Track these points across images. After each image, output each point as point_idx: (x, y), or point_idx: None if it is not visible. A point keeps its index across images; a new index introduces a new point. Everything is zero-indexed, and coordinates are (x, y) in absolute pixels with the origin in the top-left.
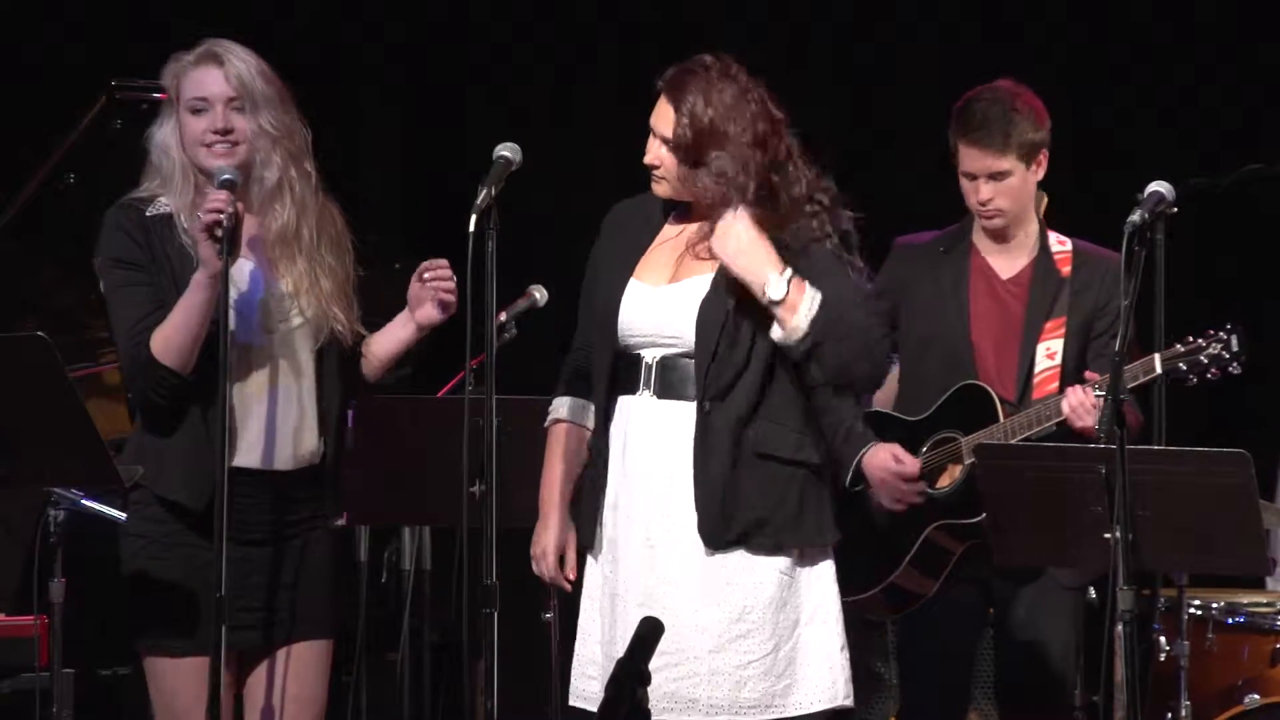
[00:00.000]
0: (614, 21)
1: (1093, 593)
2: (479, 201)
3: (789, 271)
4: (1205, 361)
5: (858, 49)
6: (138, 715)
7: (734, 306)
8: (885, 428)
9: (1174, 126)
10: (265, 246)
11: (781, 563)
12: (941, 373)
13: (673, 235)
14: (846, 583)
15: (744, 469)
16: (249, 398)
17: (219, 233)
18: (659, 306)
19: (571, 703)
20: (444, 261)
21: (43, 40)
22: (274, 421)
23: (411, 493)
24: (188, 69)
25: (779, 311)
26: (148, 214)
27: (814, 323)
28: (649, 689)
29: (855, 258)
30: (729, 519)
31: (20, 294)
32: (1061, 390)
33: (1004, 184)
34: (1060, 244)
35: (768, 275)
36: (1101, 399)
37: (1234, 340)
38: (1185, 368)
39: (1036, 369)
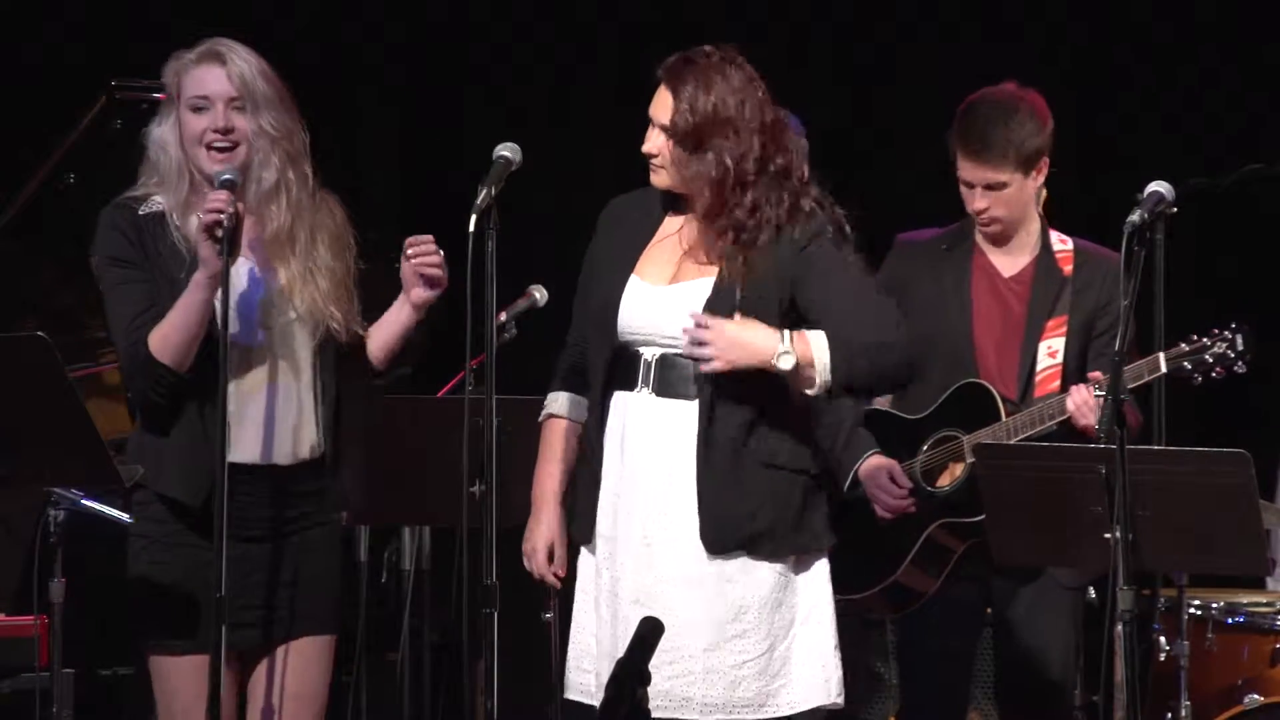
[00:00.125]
0: (614, 21)
1: (1093, 593)
2: (479, 201)
3: (785, 335)
4: (1210, 360)
5: (858, 48)
6: (138, 715)
7: (737, 312)
8: (886, 426)
9: (1175, 127)
10: (261, 246)
11: (778, 565)
12: (943, 371)
13: (672, 231)
14: (848, 582)
15: (748, 477)
16: (246, 395)
17: (219, 233)
18: (660, 306)
19: (567, 696)
20: (427, 237)
21: (43, 40)
22: (272, 418)
23: (411, 493)
24: (189, 67)
25: (799, 376)
26: (140, 212)
27: (834, 368)
28: (649, 689)
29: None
30: (732, 527)
31: (20, 294)
32: (1063, 389)
33: (1001, 194)
34: (1062, 243)
35: (770, 353)
36: (1102, 399)
37: (1239, 339)
38: (1190, 367)
39: (1038, 367)
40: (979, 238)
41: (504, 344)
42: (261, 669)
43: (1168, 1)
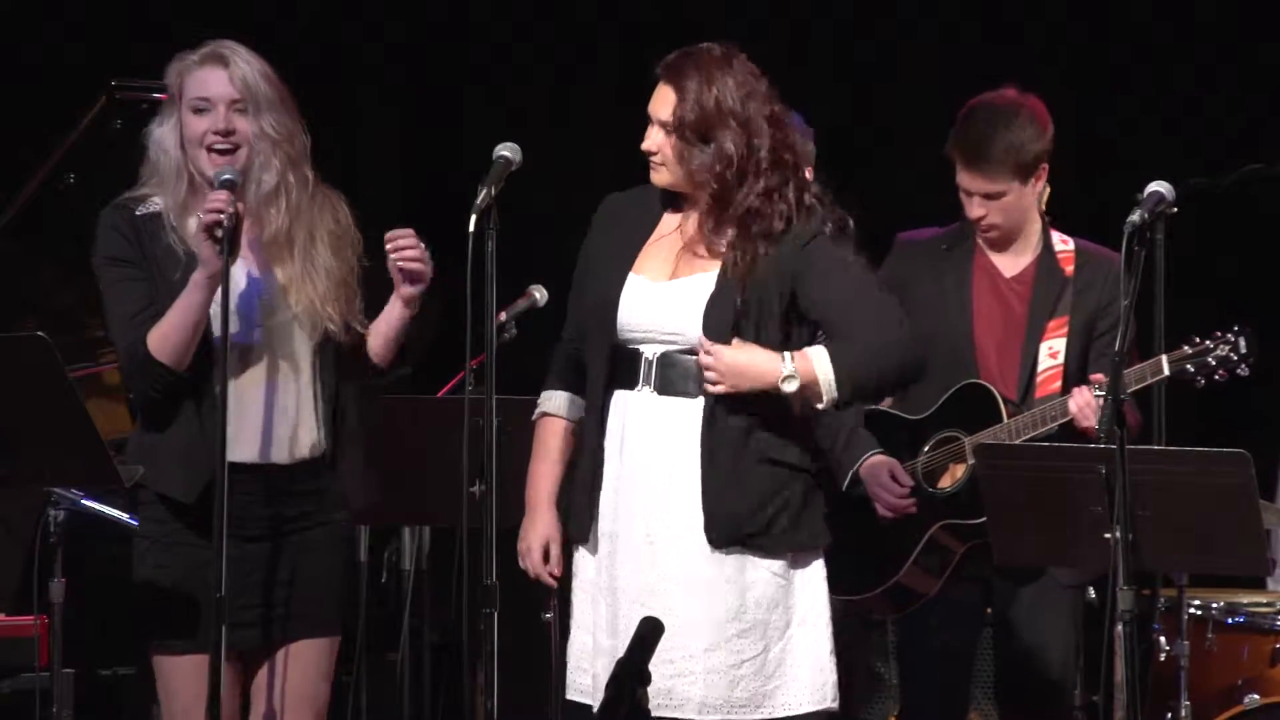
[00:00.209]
0: (614, 21)
1: (1093, 593)
2: (479, 201)
3: (788, 359)
4: (1213, 364)
5: (858, 47)
6: (138, 715)
7: (739, 308)
8: (887, 427)
9: (1175, 127)
10: (259, 247)
11: (776, 564)
12: (943, 371)
13: (671, 229)
14: (850, 582)
15: (751, 474)
16: (242, 394)
17: (219, 233)
18: (660, 302)
19: (568, 696)
20: (406, 231)
21: (43, 40)
22: (269, 417)
23: (411, 493)
24: (192, 68)
25: (806, 395)
26: (137, 213)
27: (839, 382)
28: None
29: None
30: (735, 524)
31: (20, 294)
32: (1064, 390)
33: (999, 203)
34: (1063, 243)
35: (774, 377)
36: (1101, 399)
37: (1242, 342)
38: (1193, 369)
39: (1039, 368)
40: (980, 238)
41: (504, 344)
42: (263, 669)
43: (1167, 2)
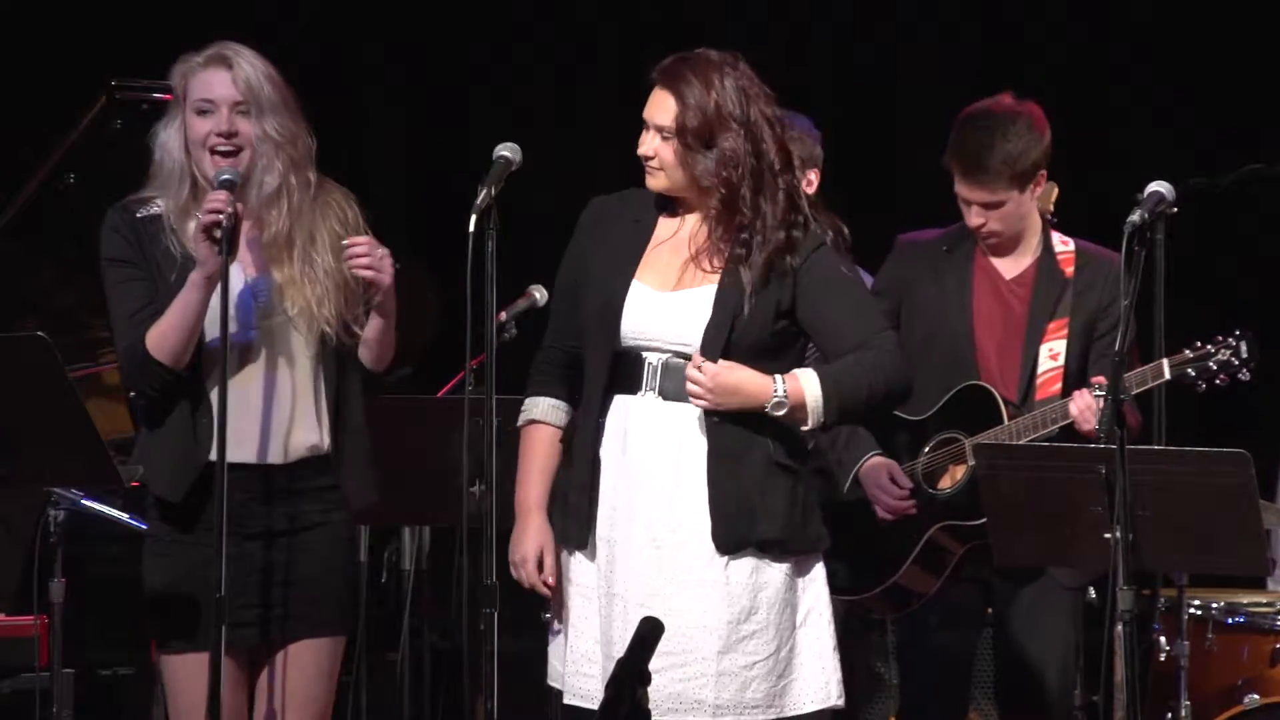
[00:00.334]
0: (614, 21)
1: (1093, 593)
2: (479, 201)
3: (779, 383)
4: (1214, 368)
5: (857, 49)
6: (138, 715)
7: (742, 318)
8: (888, 427)
9: (1174, 127)
10: (259, 248)
11: (785, 565)
12: (944, 372)
13: (668, 235)
14: (850, 582)
15: (757, 477)
16: (238, 394)
17: (217, 234)
18: (666, 311)
19: (568, 701)
20: (359, 239)
21: (43, 40)
22: (265, 417)
23: (411, 493)
24: (196, 70)
25: (794, 417)
26: (138, 215)
27: (827, 407)
28: (651, 689)
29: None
30: (744, 528)
31: (20, 294)
32: (1065, 391)
33: (997, 211)
34: (1063, 244)
35: (764, 399)
36: (1101, 399)
37: (1243, 346)
38: (1194, 373)
39: (1039, 369)
40: (981, 243)
41: (504, 344)
42: (266, 670)
43: (1167, 2)
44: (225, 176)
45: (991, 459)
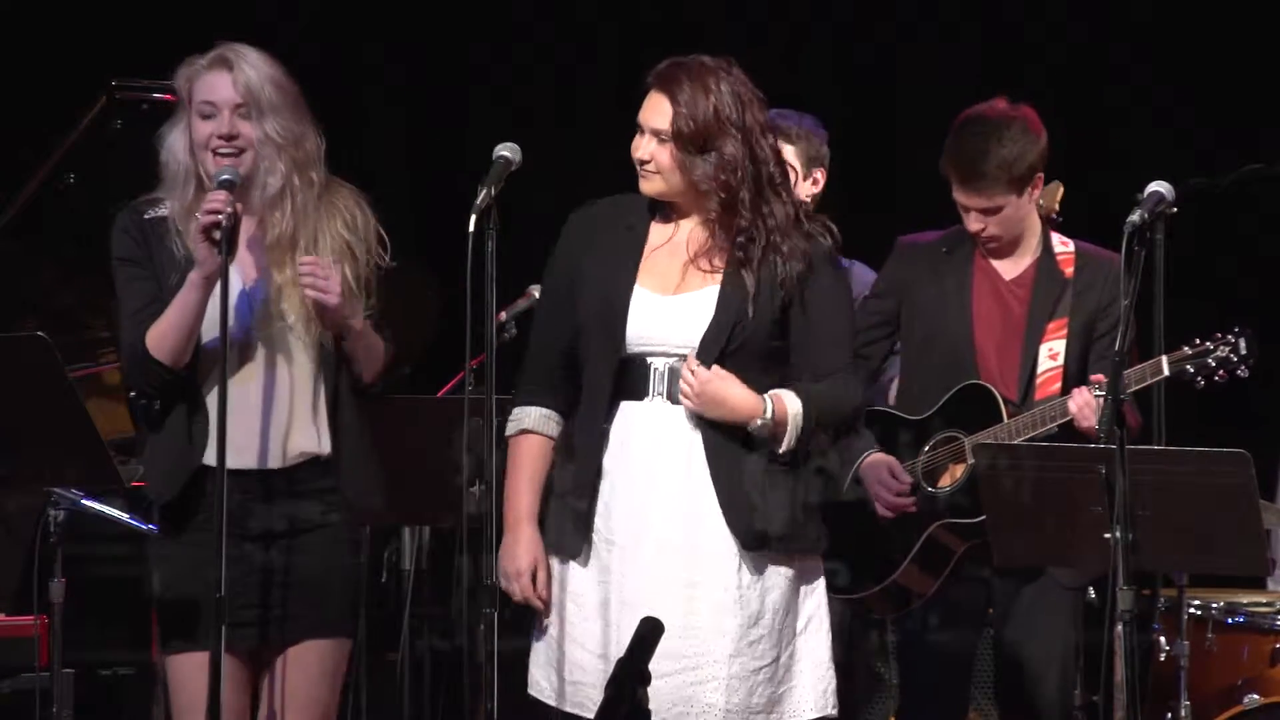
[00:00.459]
0: (614, 22)
1: (1092, 593)
2: (479, 201)
3: (769, 404)
4: (1213, 365)
5: (857, 49)
6: (138, 715)
7: (743, 321)
8: (887, 427)
9: (1173, 127)
10: (260, 250)
11: (788, 569)
12: (944, 372)
13: (663, 240)
14: (849, 582)
15: (763, 478)
16: (235, 397)
17: (216, 235)
18: (670, 316)
19: (566, 709)
20: (307, 259)
21: (43, 40)
22: (261, 421)
23: (411, 493)
24: (200, 73)
25: (772, 435)
26: (146, 216)
27: (804, 434)
28: (663, 693)
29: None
30: (753, 529)
31: (20, 294)
32: (1064, 391)
33: (996, 216)
34: (1063, 245)
35: (750, 417)
36: (1101, 399)
37: (1242, 343)
38: (1193, 370)
39: (1039, 369)
40: (980, 247)
41: (504, 344)
42: (268, 671)
43: (1167, 2)
44: (225, 176)
45: (992, 459)
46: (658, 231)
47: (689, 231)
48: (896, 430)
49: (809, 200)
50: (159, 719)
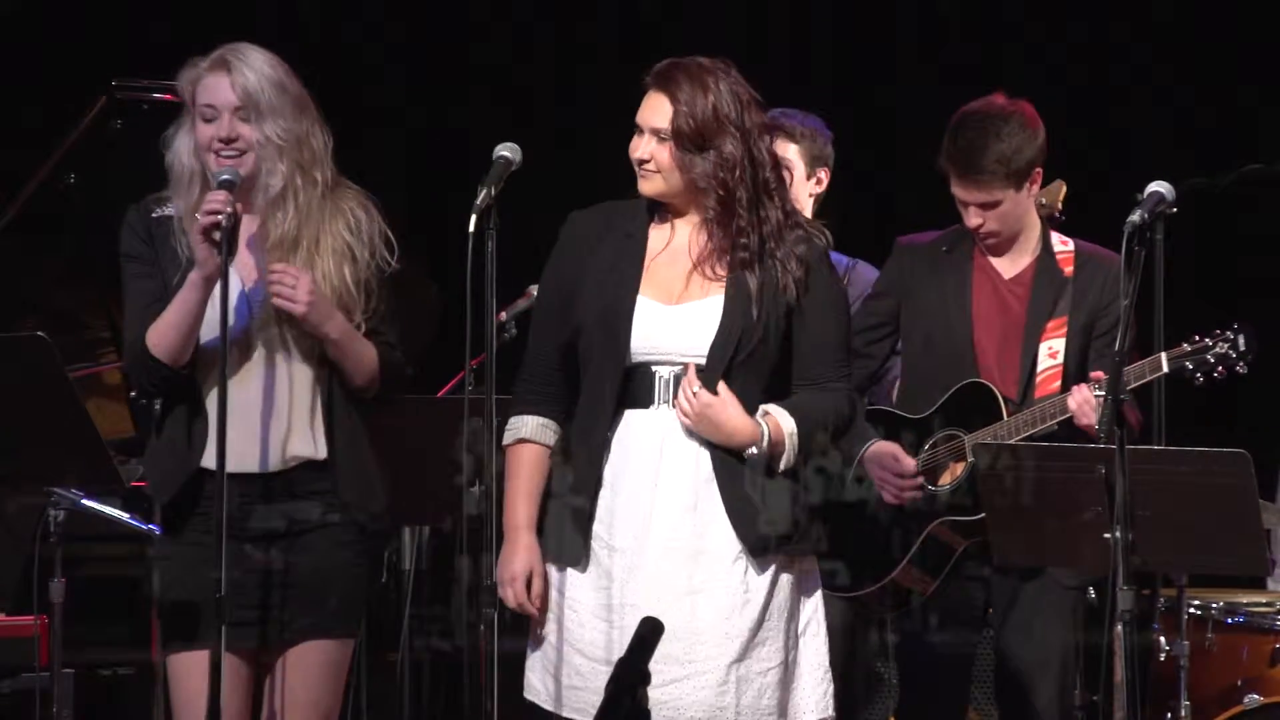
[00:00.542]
0: (614, 22)
1: (1092, 593)
2: (479, 201)
3: (766, 432)
4: (1212, 361)
5: (857, 49)
6: (138, 715)
7: (749, 328)
8: (887, 425)
9: (1174, 126)
10: (262, 250)
11: (790, 573)
12: (944, 371)
13: (662, 246)
14: (849, 580)
15: (761, 479)
16: (232, 400)
17: (216, 236)
18: (674, 324)
19: (565, 714)
20: (278, 266)
21: (43, 40)
22: (257, 425)
23: (411, 493)
24: (201, 75)
25: (770, 454)
26: (154, 214)
27: (798, 453)
28: (667, 696)
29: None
30: (760, 532)
31: (20, 294)
32: (1064, 389)
33: (994, 211)
34: (1063, 244)
35: (746, 443)
36: (1100, 398)
37: (1241, 339)
38: (1192, 366)
39: (1039, 368)
40: (979, 244)
41: (504, 344)
42: (269, 672)
43: (1167, 1)
44: (225, 177)
45: (992, 459)
46: (655, 237)
47: (687, 235)
48: (897, 429)
49: (812, 199)
50: (159, 719)
